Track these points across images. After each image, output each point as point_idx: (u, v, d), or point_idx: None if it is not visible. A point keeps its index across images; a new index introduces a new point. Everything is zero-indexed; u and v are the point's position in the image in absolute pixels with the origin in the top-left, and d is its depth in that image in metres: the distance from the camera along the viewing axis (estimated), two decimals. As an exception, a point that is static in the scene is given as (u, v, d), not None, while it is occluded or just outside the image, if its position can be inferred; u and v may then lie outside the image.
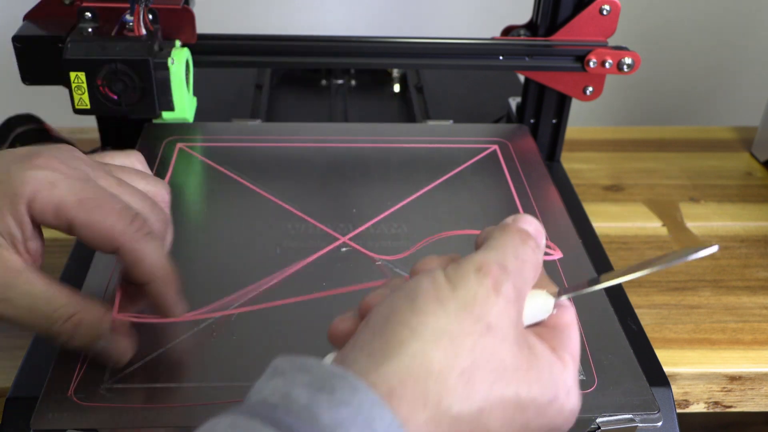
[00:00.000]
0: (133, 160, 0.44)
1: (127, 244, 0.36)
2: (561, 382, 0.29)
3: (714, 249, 0.29)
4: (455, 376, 0.26)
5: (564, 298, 0.32)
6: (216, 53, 0.63)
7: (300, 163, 0.59)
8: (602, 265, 0.55)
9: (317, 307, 0.43)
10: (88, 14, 0.57)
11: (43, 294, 0.36)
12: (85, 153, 0.41)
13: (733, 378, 0.52)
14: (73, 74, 0.55)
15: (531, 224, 0.32)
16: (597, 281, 0.32)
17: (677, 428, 0.43)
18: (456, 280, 0.28)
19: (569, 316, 0.32)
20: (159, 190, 0.42)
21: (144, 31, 0.57)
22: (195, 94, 0.63)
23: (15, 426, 0.41)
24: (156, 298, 0.38)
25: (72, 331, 0.37)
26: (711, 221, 0.68)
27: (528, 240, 0.31)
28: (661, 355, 0.48)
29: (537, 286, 0.32)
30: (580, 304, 0.45)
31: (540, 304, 0.31)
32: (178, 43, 0.59)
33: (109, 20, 0.57)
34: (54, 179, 0.36)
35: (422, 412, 0.25)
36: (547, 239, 0.33)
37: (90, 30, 0.56)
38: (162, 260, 0.38)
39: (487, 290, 0.28)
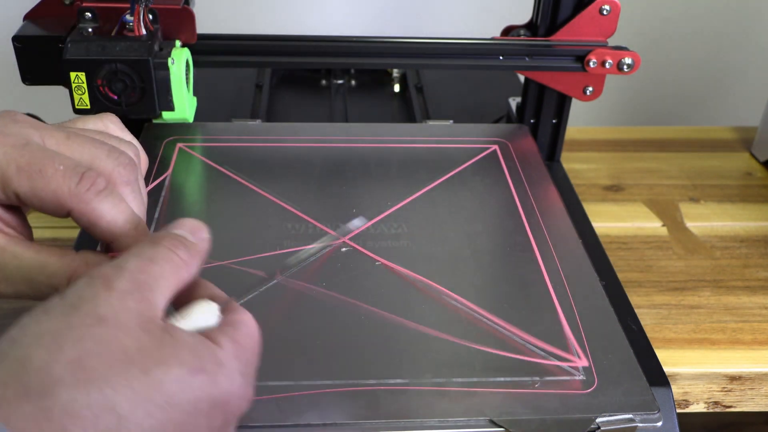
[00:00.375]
0: (106, 122, 0.40)
1: (77, 206, 0.34)
2: (208, 357, 0.29)
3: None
4: (60, 367, 0.26)
5: (235, 303, 0.34)
6: (216, 53, 0.63)
7: (300, 163, 0.58)
8: (602, 265, 0.55)
9: (316, 306, 0.43)
10: (88, 14, 0.57)
11: (34, 264, 0.35)
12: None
13: (733, 378, 0.52)
14: (73, 74, 0.55)
15: (183, 227, 0.34)
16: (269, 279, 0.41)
17: (677, 428, 0.43)
18: (70, 288, 0.29)
19: (237, 316, 0.33)
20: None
21: (144, 31, 0.57)
22: (195, 94, 0.63)
23: (15, 426, 0.41)
24: None
25: None
26: (711, 221, 0.68)
27: (160, 240, 0.32)
28: (661, 355, 0.48)
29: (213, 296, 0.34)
30: (579, 304, 0.45)
31: (199, 311, 0.33)
32: (178, 43, 0.59)
33: (109, 20, 0.58)
34: None
35: (25, 405, 0.25)
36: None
37: (90, 30, 0.56)
38: (122, 216, 0.35)
39: (97, 289, 0.29)
